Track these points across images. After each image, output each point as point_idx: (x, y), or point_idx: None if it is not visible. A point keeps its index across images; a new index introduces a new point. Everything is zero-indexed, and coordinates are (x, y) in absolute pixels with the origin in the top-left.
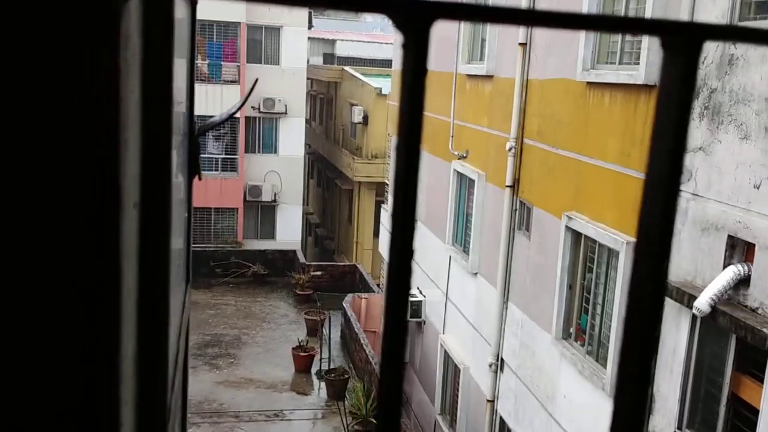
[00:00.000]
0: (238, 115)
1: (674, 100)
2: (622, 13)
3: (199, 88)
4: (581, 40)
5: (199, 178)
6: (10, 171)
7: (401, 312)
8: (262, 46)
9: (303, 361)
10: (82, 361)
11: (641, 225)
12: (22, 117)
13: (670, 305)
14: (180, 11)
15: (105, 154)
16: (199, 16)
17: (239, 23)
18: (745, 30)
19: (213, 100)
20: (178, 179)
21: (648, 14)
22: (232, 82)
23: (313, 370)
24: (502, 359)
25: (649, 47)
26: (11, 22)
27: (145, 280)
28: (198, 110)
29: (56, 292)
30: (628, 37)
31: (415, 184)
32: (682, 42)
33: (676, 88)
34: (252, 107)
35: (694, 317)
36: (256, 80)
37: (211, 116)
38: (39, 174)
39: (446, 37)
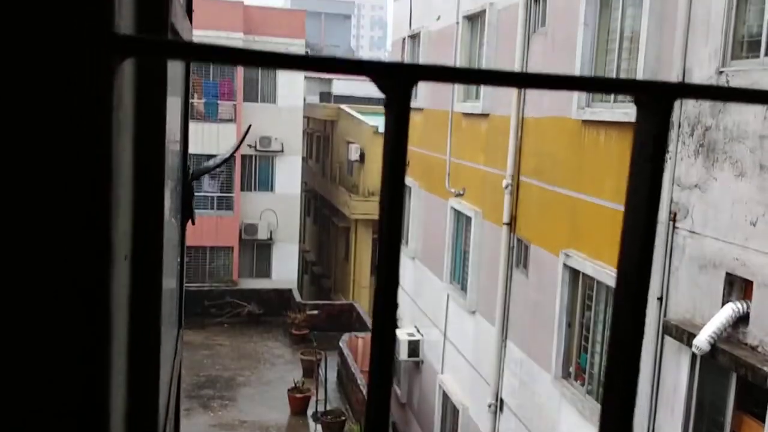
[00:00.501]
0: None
1: (647, 158)
2: (616, 54)
3: (195, 126)
4: None
5: (192, 223)
6: None
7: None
8: (259, 84)
9: (299, 403)
10: (73, 413)
11: (620, 274)
12: (17, 171)
13: (669, 343)
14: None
15: (96, 211)
16: None
17: None
18: (716, 89)
19: (209, 139)
20: (171, 224)
21: (641, 55)
22: (229, 120)
23: (309, 412)
24: (501, 399)
25: None
26: (9, 77)
27: (136, 332)
28: (194, 149)
29: (45, 345)
30: (623, 75)
31: (399, 231)
32: (654, 100)
33: (649, 146)
34: (249, 145)
35: (693, 355)
36: (249, 126)
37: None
38: (31, 231)
39: None
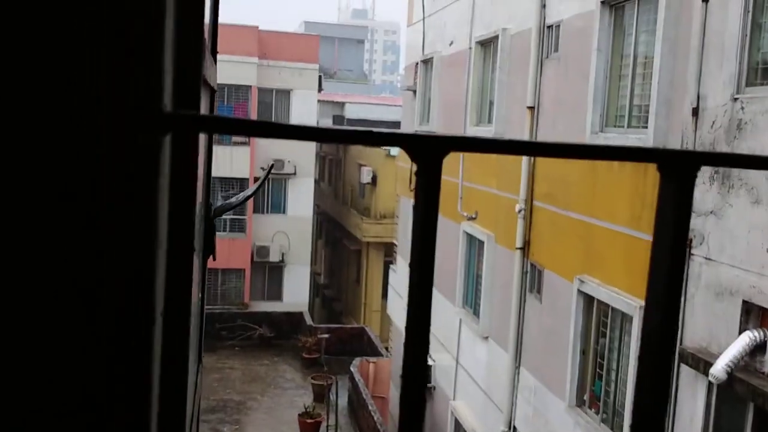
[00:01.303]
0: (247, 175)
1: (670, 225)
2: (629, 80)
3: None
4: (589, 103)
5: (213, 258)
6: (49, 282)
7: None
8: (273, 108)
9: (309, 428)
10: None
11: (644, 342)
12: (68, 240)
13: (685, 372)
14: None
15: (143, 267)
16: None
17: (250, 86)
18: (737, 156)
19: (223, 162)
20: (195, 261)
21: (655, 80)
22: (242, 143)
23: None
24: (514, 427)
25: (657, 112)
26: (64, 155)
27: (165, 386)
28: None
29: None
30: (636, 101)
31: (429, 300)
32: (677, 170)
33: (672, 213)
34: (261, 168)
35: (710, 384)
36: (272, 164)
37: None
38: (85, 295)
39: (455, 100)
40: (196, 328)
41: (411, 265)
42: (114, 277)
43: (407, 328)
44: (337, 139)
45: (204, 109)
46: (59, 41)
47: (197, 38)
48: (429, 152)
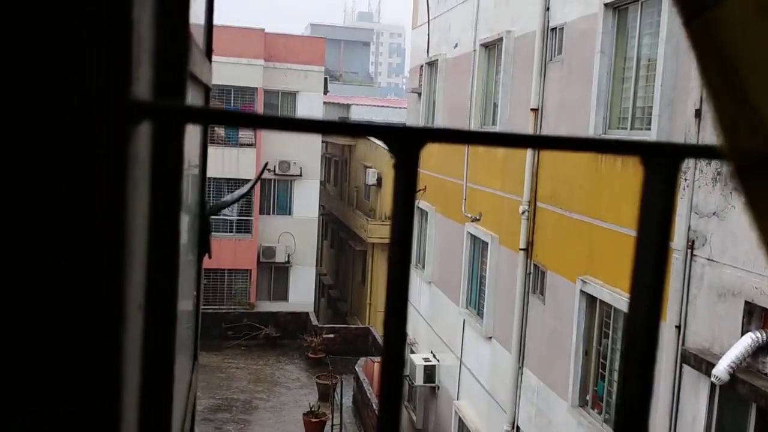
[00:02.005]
0: (253, 177)
1: (654, 220)
2: (632, 82)
3: (215, 151)
4: (592, 105)
5: (209, 257)
6: (10, 278)
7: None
8: (279, 110)
9: (314, 428)
10: None
11: (628, 340)
12: (32, 224)
13: (688, 372)
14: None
15: (108, 266)
16: (218, 81)
17: (256, 88)
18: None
19: (229, 164)
20: (187, 260)
21: (658, 82)
22: (249, 145)
23: None
24: (517, 427)
25: (660, 113)
26: (25, 137)
27: (148, 381)
28: (215, 173)
29: (54, 396)
30: (639, 103)
31: (407, 288)
32: (660, 163)
33: (656, 207)
34: (268, 170)
35: (713, 385)
36: (266, 164)
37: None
38: (44, 284)
39: (459, 102)
40: (191, 326)
41: (389, 258)
42: (78, 270)
43: (385, 322)
44: (310, 129)
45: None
46: (13, 25)
47: (181, 32)
48: (406, 144)
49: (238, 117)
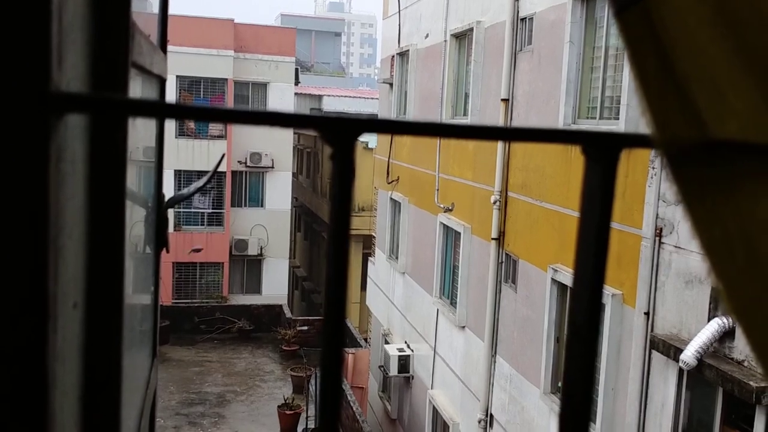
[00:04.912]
0: (224, 169)
1: (596, 206)
2: (601, 72)
3: (186, 143)
4: (562, 95)
5: (167, 251)
6: None
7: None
8: (249, 101)
9: (289, 420)
10: None
11: (571, 322)
12: None
13: (657, 358)
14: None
15: (31, 264)
16: (187, 72)
17: (226, 79)
18: None
19: (200, 155)
20: (145, 253)
21: (626, 71)
22: (219, 137)
23: (300, 428)
24: (491, 414)
25: (628, 103)
26: None
27: (93, 378)
28: (185, 165)
29: None
30: (608, 93)
31: (345, 285)
32: (600, 151)
33: (597, 195)
34: (239, 161)
35: (681, 371)
36: (223, 155)
37: (198, 171)
38: None
39: (431, 92)
40: (149, 321)
41: (327, 251)
42: None
43: (324, 312)
44: (246, 120)
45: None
46: None
47: (121, 21)
48: (341, 134)
49: (159, 107)
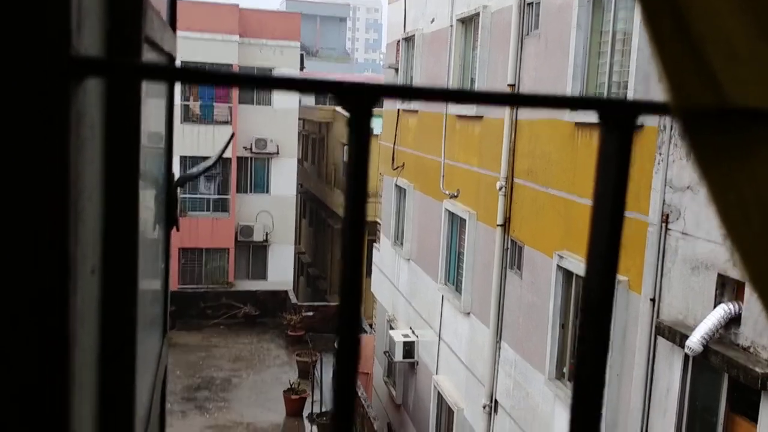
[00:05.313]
0: (230, 155)
1: (612, 174)
2: (608, 56)
3: (191, 128)
4: (569, 79)
5: (177, 229)
6: None
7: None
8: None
9: (294, 404)
10: (32, 421)
11: (586, 296)
12: None
13: (662, 344)
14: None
15: (53, 224)
16: (192, 57)
17: (231, 65)
18: None
19: (205, 141)
20: (152, 232)
21: (633, 56)
22: (224, 122)
23: (305, 413)
24: (496, 400)
25: (635, 88)
26: None
27: (108, 345)
28: (190, 151)
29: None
30: (615, 77)
31: (360, 256)
32: (617, 118)
33: (613, 162)
34: (244, 147)
35: (686, 357)
36: (233, 134)
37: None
38: None
39: (437, 78)
40: (160, 300)
41: (343, 222)
42: (19, 227)
43: (341, 287)
44: (262, 85)
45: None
46: None
47: None
48: (359, 99)
49: (175, 72)
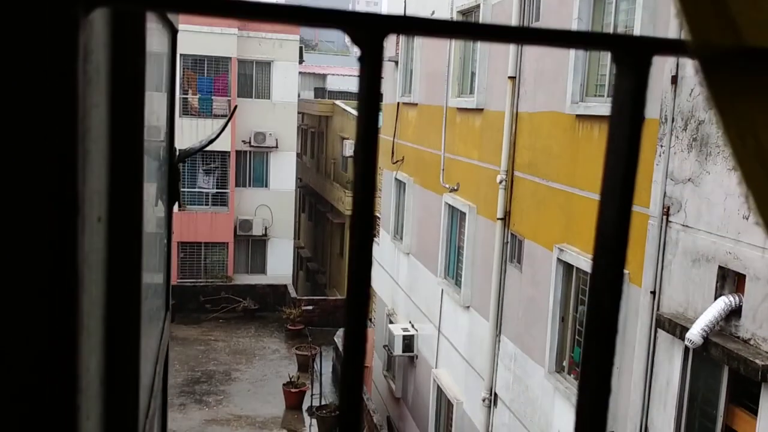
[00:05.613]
0: (228, 149)
1: (626, 115)
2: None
3: (190, 122)
4: (570, 73)
5: (179, 206)
6: None
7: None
8: (253, 80)
9: (294, 398)
10: (39, 370)
11: (598, 236)
12: None
13: (662, 337)
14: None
15: (61, 162)
16: (191, 51)
17: (230, 58)
18: None
19: (204, 134)
20: (158, 206)
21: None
22: (223, 116)
23: (305, 406)
24: (495, 394)
25: None
26: None
27: (114, 293)
28: (189, 144)
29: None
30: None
31: (372, 196)
32: (632, 56)
33: (628, 102)
34: (243, 141)
35: (686, 349)
36: (236, 107)
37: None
38: None
39: (437, 71)
40: (163, 272)
41: (354, 156)
42: (26, 164)
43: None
44: (266, 16)
45: (164, 48)
46: None
47: None
48: (371, 31)
49: (197, 2)
